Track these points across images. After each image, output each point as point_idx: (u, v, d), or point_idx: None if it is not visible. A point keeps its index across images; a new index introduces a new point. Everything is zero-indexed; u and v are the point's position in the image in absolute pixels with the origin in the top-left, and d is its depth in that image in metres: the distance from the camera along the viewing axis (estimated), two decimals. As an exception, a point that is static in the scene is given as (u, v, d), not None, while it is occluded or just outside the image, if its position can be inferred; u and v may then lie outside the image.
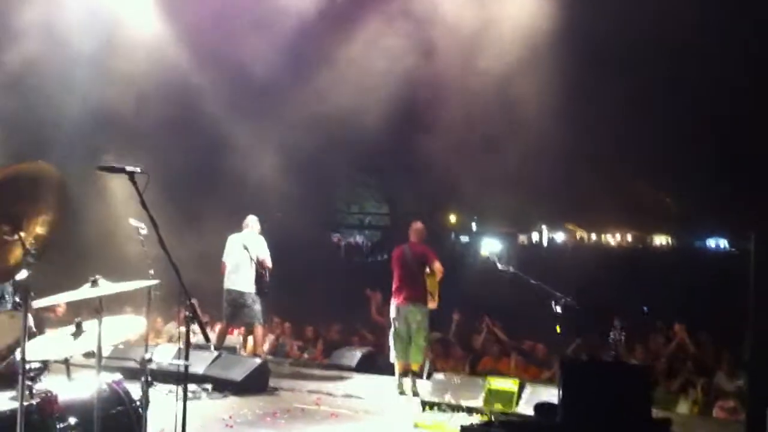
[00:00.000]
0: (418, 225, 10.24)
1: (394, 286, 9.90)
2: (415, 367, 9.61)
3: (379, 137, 19.03)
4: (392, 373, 10.32)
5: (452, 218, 34.25)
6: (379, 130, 17.47)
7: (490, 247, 30.76)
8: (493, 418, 7.53)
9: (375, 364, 11.50)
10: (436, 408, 8.32)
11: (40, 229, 4.43)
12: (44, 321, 10.67)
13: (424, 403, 8.44)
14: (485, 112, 15.14)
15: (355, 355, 11.48)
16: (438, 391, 8.53)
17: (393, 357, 9.82)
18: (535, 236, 40.86)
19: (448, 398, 8.32)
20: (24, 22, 13.99)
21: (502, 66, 13.74)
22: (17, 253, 4.37)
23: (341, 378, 10.51)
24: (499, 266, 10.30)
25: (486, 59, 13.96)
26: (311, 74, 14.95)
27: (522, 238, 39.20)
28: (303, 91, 15.07)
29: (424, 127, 18.18)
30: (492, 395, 8.19)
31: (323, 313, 15.19)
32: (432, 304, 9.82)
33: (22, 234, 4.30)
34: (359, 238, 37.55)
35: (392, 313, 9.86)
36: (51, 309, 11.63)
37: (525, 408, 7.94)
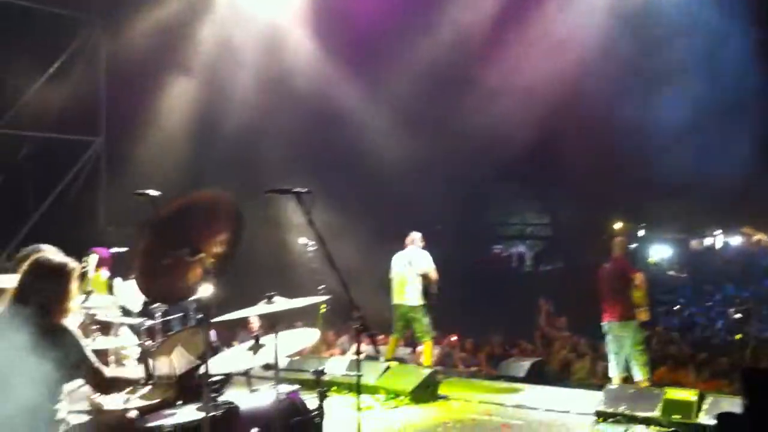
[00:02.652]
0: (618, 238, 10.17)
1: (602, 303, 9.80)
2: (644, 384, 9.36)
3: (541, 146, 18.78)
4: (561, 384, 10.26)
5: (617, 225, 33.15)
6: (540, 138, 17.25)
7: (660, 253, 29.54)
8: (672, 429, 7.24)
9: (543, 374, 11.34)
10: (611, 419, 8.07)
11: (217, 251, 4.66)
12: (237, 335, 11.28)
13: (599, 414, 8.21)
14: (650, 115, 14.66)
15: (524, 366, 11.34)
16: (613, 401, 8.28)
17: (611, 372, 9.77)
18: (708, 241, 38.82)
19: (623, 409, 8.06)
20: (192, 53, 14.98)
21: (661, 66, 13.30)
22: (197, 272, 4.61)
23: (510, 389, 10.40)
24: (671, 272, 9.98)
25: (641, 60, 13.55)
26: (469, 85, 15.00)
27: (694, 244, 37.40)
28: (461, 102, 15.15)
29: (584, 134, 17.79)
30: (670, 406, 7.86)
31: (486, 324, 15.11)
32: (643, 316, 9.64)
33: (202, 255, 4.53)
34: (521, 249, 37.04)
35: (603, 330, 9.79)
36: (244, 324, 12.32)
37: (706, 420, 7.58)
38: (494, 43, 14.52)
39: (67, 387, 4.37)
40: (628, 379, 9.56)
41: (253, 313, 4.92)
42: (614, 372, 9.70)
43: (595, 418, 8.23)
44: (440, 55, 14.57)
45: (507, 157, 19.05)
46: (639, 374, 9.46)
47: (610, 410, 8.16)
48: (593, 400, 8.77)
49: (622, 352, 9.62)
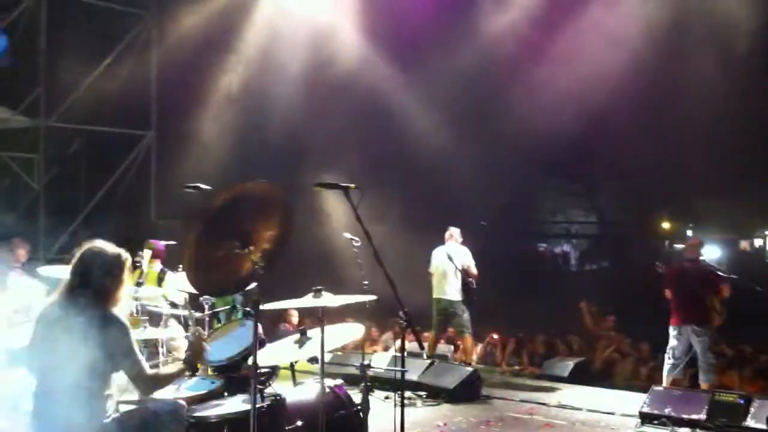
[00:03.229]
0: (694, 241, 10.03)
1: (672, 306, 9.59)
2: (705, 386, 9.22)
3: (585, 144, 18.61)
4: (605, 385, 10.17)
5: (665, 225, 32.68)
6: (585, 136, 17.09)
7: (708, 254, 29.01)
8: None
9: (587, 374, 11.26)
10: (656, 421, 7.99)
11: (266, 244, 4.73)
12: (279, 332, 11.38)
13: (643, 416, 8.13)
14: (695, 113, 14.44)
15: (567, 366, 11.26)
16: (658, 403, 8.20)
17: (665, 373, 9.60)
18: (758, 242, 38.03)
19: (668, 411, 7.98)
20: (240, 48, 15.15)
21: (712, 63, 13.09)
22: (247, 266, 4.68)
23: (553, 388, 10.34)
24: (720, 273, 9.82)
25: (692, 57, 13.35)
26: (517, 81, 14.94)
27: (744, 244, 36.68)
28: (507, 99, 15.09)
29: (631, 131, 17.57)
30: (717, 408, 7.76)
31: (529, 323, 15.03)
32: (717, 321, 9.50)
33: (251, 248, 4.59)
34: (566, 248, 36.70)
35: (671, 332, 9.58)
36: (285, 320, 12.48)
37: (754, 423, 7.47)
38: (542, 39, 14.44)
39: (116, 376, 4.46)
40: (675, 383, 9.45)
41: (300, 305, 4.98)
42: (669, 375, 9.54)
43: (639, 419, 8.15)
44: (488, 51, 14.54)
45: (553, 155, 18.93)
46: (708, 379, 9.28)
47: (655, 412, 8.07)
48: (638, 401, 8.69)
49: (684, 356, 9.47)
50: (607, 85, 13.80)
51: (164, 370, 5.23)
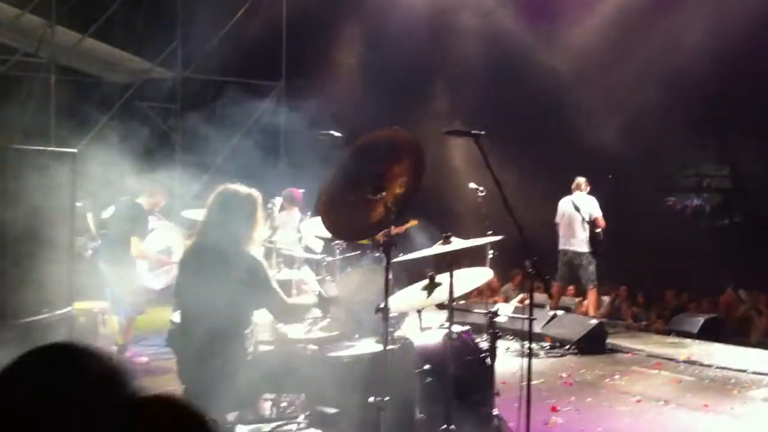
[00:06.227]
0: None
1: None
2: None
3: (719, 94, 17.79)
4: (738, 342, 9.96)
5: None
6: (719, 86, 16.33)
7: None
8: None
9: (719, 331, 10.94)
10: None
11: (398, 190, 4.77)
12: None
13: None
14: None
15: (698, 322, 10.96)
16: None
17: None
18: None
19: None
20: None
21: None
22: (379, 211, 4.74)
23: (682, 344, 10.12)
24: None
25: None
26: (645, 29, 14.43)
27: None
28: (636, 46, 14.61)
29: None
30: None
31: (658, 278, 14.66)
32: None
33: (384, 194, 4.64)
34: (696, 202, 35.33)
35: None
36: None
37: None
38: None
39: (255, 315, 4.67)
40: None
41: (431, 253, 5.03)
42: None
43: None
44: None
45: (685, 104, 18.19)
46: None
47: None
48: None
49: None
50: (741, 29, 13.15)
51: (298, 300, 5.43)
